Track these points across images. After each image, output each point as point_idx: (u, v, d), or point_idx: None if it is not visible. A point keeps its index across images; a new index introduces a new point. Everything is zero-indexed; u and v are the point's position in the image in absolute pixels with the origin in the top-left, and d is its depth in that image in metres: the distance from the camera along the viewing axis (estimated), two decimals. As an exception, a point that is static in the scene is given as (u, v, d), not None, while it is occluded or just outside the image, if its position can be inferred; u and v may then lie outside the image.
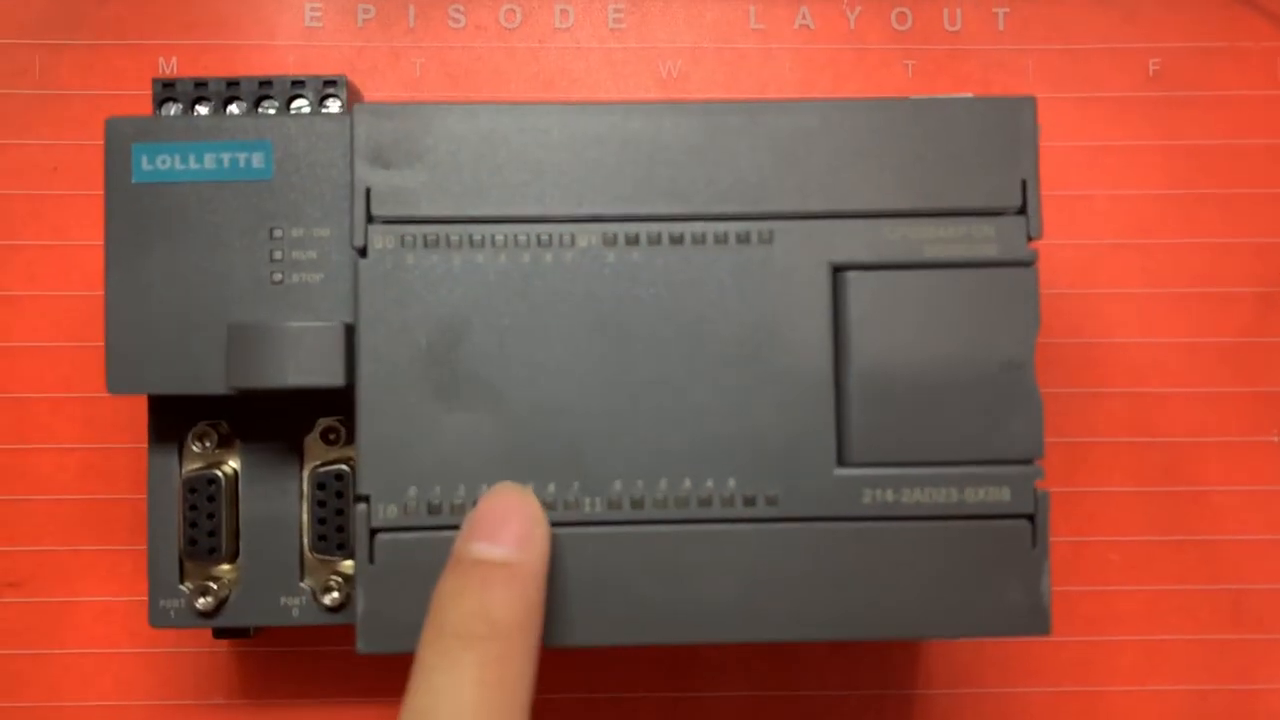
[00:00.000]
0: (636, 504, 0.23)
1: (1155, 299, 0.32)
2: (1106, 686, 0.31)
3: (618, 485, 0.23)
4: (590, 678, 0.31)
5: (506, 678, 0.20)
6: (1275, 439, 0.32)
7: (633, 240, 0.23)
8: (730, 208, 0.24)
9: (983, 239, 0.23)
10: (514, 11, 0.32)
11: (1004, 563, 0.23)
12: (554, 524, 0.23)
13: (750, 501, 0.23)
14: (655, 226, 0.23)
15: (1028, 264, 0.23)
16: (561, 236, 0.23)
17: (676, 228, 0.23)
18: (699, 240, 0.23)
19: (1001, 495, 0.23)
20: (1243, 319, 0.32)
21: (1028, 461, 0.23)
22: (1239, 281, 0.32)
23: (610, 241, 0.23)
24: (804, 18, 0.32)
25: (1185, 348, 0.32)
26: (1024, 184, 0.24)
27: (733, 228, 0.24)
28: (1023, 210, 0.24)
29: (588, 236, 0.23)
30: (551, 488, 0.23)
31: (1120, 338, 0.32)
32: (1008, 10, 0.32)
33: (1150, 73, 0.32)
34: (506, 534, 0.22)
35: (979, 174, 0.24)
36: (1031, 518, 0.23)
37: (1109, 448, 0.32)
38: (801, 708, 0.31)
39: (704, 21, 0.32)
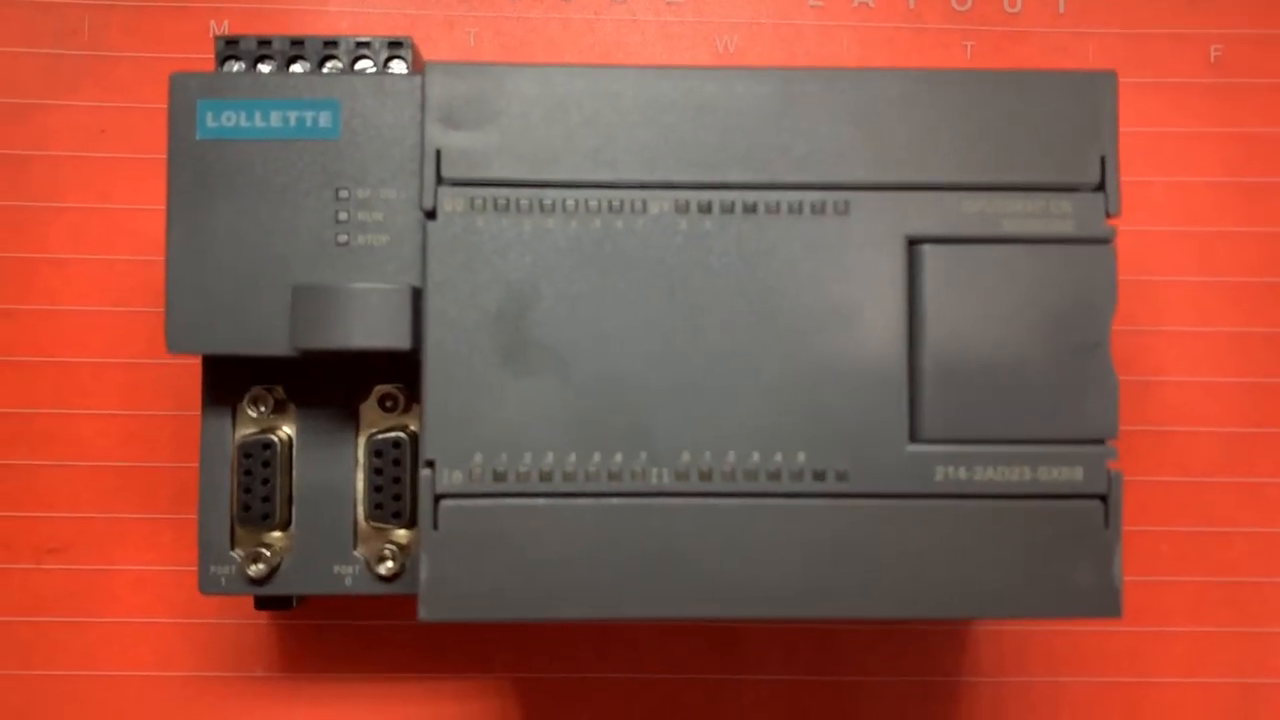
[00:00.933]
0: (704, 476, 0.23)
1: (1211, 288, 0.32)
2: (1154, 678, 0.31)
3: (685, 456, 0.23)
4: (634, 658, 0.31)
5: None
6: (1331, 431, 0.31)
7: (705, 208, 0.23)
8: (805, 177, 0.23)
9: (1060, 215, 0.23)
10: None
11: (1076, 544, 0.23)
12: (620, 494, 0.23)
13: (820, 476, 0.23)
14: (728, 195, 0.23)
15: (1105, 241, 0.23)
16: (633, 203, 0.23)
17: (750, 196, 0.23)
18: (773, 210, 0.23)
19: (1074, 475, 0.23)
20: (1299, 310, 0.32)
21: (1101, 442, 0.23)
22: (1296, 272, 0.32)
23: (682, 209, 0.23)
24: (864, -5, 0.32)
25: (1239, 337, 0.32)
26: (1103, 160, 0.23)
27: (807, 197, 0.23)
28: (1101, 187, 0.23)
29: (660, 203, 0.23)
30: (619, 457, 0.23)
31: (1174, 326, 0.32)
32: (1069, -7, 0.32)
33: (1211, 59, 0.32)
34: None
35: (1058, 149, 0.23)
36: (1104, 498, 0.23)
37: (1160, 436, 0.31)
38: (844, 694, 0.31)
39: (762, -3, 0.32)
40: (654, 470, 0.23)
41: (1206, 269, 0.32)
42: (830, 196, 0.23)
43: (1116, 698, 0.31)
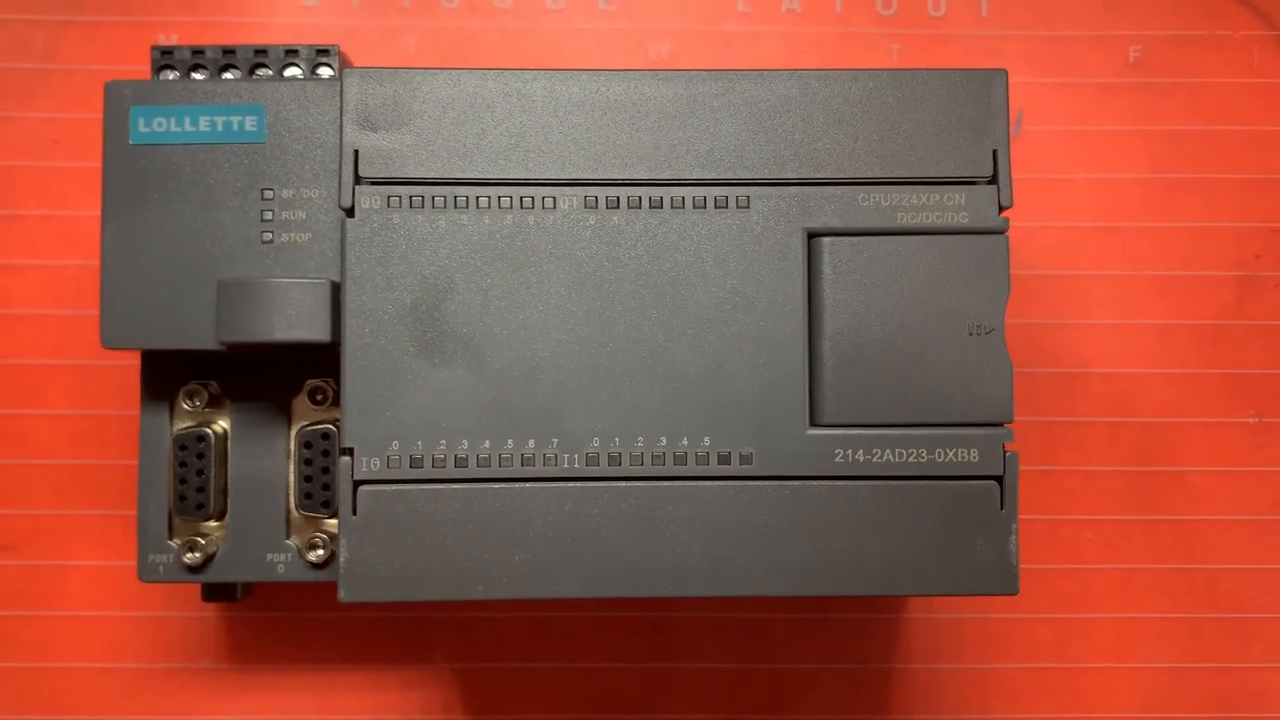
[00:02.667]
0: (614, 460, 0.24)
1: (1135, 281, 0.33)
2: (1083, 663, 0.32)
3: (595, 442, 0.24)
4: (571, 648, 0.31)
5: None
6: (1251, 420, 0.32)
7: (613, 204, 0.24)
8: (708, 173, 0.24)
9: (954, 207, 0.24)
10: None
11: (973, 523, 0.24)
12: (532, 479, 0.24)
13: (725, 459, 0.24)
14: (635, 190, 0.24)
15: (999, 232, 0.24)
16: (544, 199, 0.24)
17: (656, 192, 0.24)
18: (678, 205, 0.24)
19: (971, 457, 0.24)
20: (1220, 302, 0.32)
21: (998, 425, 0.24)
22: (1217, 265, 0.33)
23: (591, 205, 0.24)
24: (791, 1, 0.33)
25: (1163, 329, 0.32)
26: (995, 154, 0.24)
27: (711, 193, 0.24)
28: (994, 180, 0.24)
29: (569, 199, 0.24)
30: (531, 444, 0.24)
31: (1100, 319, 0.32)
32: (991, -3, 0.33)
33: (1131, 59, 0.33)
34: None
35: (951, 144, 0.24)
36: (1000, 479, 0.24)
37: (1087, 427, 0.32)
38: (780, 680, 0.32)
39: (692, 3, 0.33)
40: (565, 456, 0.24)
41: (1131, 263, 0.33)
42: (732, 192, 0.24)
43: (1048, 682, 0.32)
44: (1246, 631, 0.32)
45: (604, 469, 0.24)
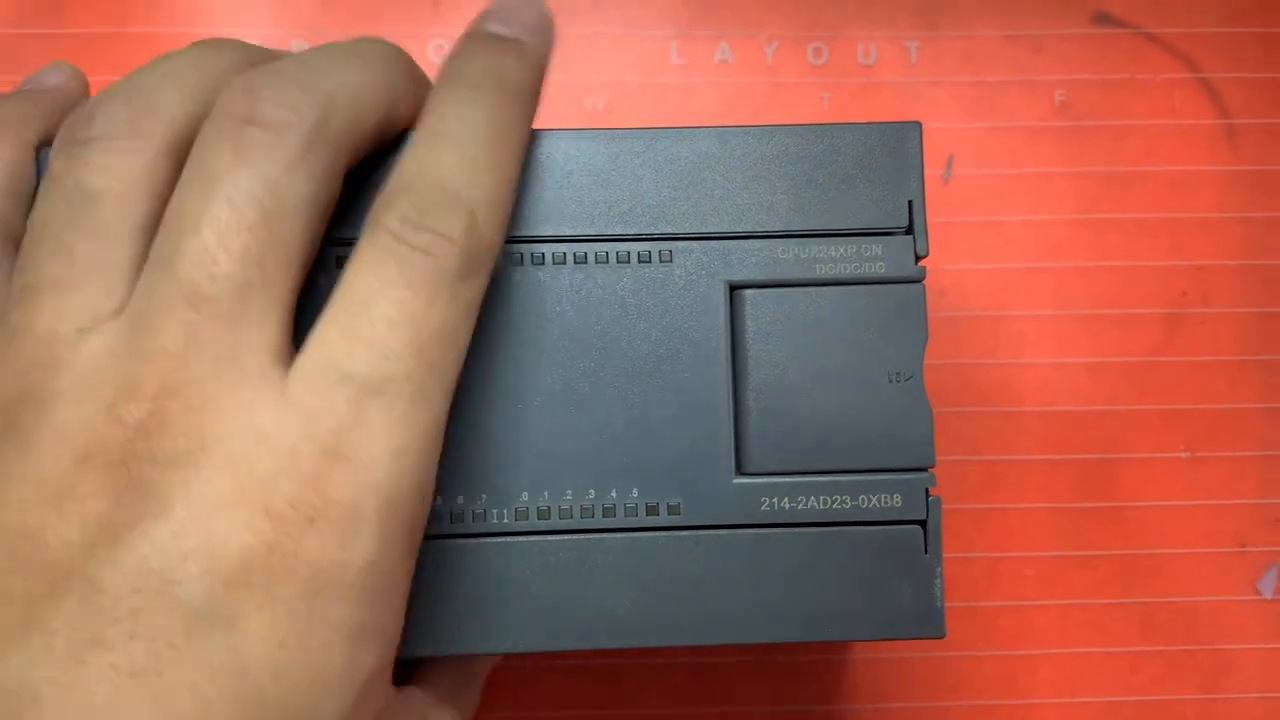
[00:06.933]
0: (543, 514, 0.24)
1: (1067, 320, 0.33)
2: (1029, 700, 0.32)
3: (524, 496, 0.24)
4: (522, 694, 0.32)
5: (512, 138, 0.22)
6: (1183, 455, 0.33)
7: (538, 260, 0.24)
8: (631, 229, 0.25)
9: (872, 257, 0.25)
10: (442, 47, 0.33)
11: (898, 568, 0.24)
12: (462, 535, 0.24)
13: (653, 510, 0.24)
14: (560, 247, 0.25)
15: (916, 280, 0.25)
16: None
17: (580, 248, 0.25)
18: (602, 260, 0.24)
19: (894, 501, 0.24)
20: (1150, 339, 0.33)
21: (920, 469, 0.24)
22: (1146, 303, 0.33)
23: (516, 261, 0.24)
24: (723, 52, 0.34)
25: (1096, 367, 0.33)
26: (910, 205, 0.25)
27: (634, 248, 0.25)
28: (909, 230, 0.25)
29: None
30: (460, 499, 0.24)
31: (1034, 358, 0.33)
32: (919, 44, 0.34)
33: (1057, 103, 0.34)
34: (518, 20, 0.23)
35: (868, 196, 0.25)
36: (923, 523, 0.24)
37: (1024, 465, 0.33)
38: (728, 723, 0.32)
39: (627, 56, 0.34)
40: (494, 511, 0.24)
41: (1063, 303, 0.33)
42: (655, 247, 0.25)
43: (996, 718, 0.32)
44: (1181, 662, 0.32)
45: (533, 523, 0.24)
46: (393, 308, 0.20)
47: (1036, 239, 0.33)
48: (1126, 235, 0.33)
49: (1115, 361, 0.33)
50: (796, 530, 0.24)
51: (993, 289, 0.33)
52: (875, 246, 0.25)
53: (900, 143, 0.25)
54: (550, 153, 0.25)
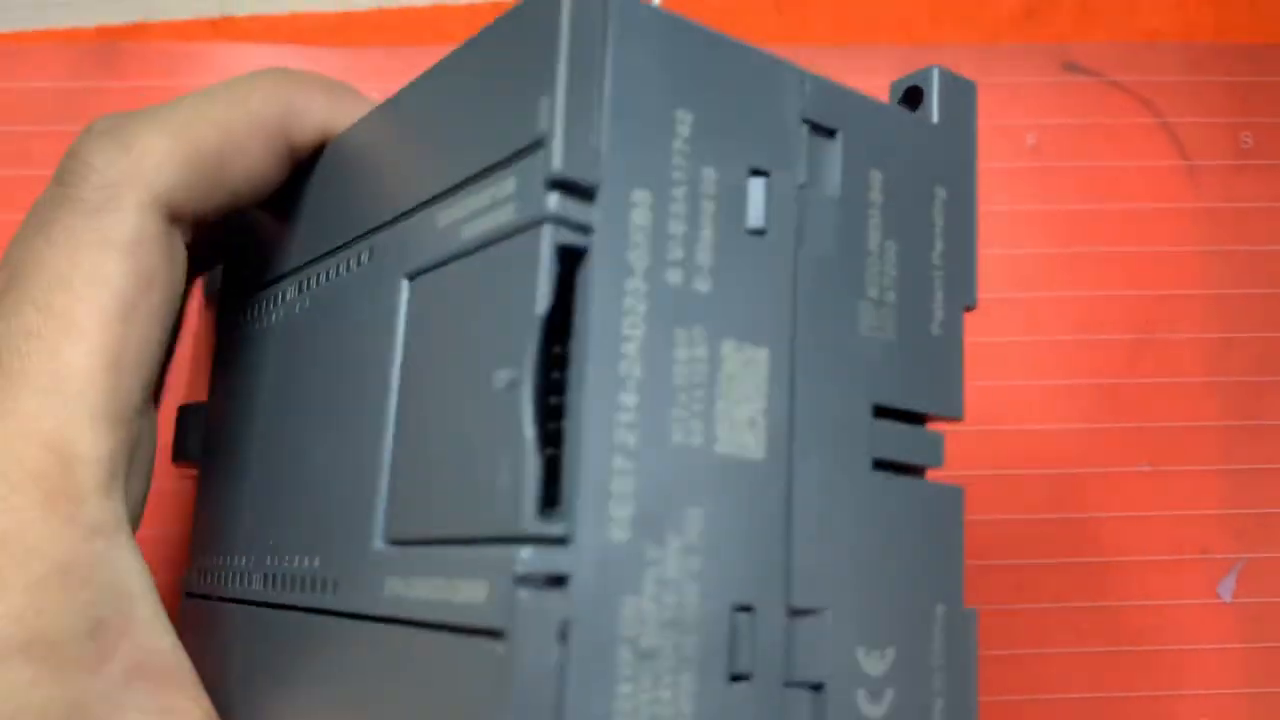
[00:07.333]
0: (250, 581, 0.21)
1: (1039, 345, 0.36)
2: (1006, 697, 0.35)
3: (242, 561, 0.21)
4: None
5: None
6: (1145, 469, 0.35)
7: (276, 302, 0.23)
8: (340, 238, 0.21)
9: (505, 199, 0.16)
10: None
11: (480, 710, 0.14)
12: (199, 595, 0.23)
13: (325, 585, 0.18)
14: (299, 275, 0.22)
15: (539, 223, 0.15)
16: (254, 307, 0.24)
17: (312, 270, 0.22)
18: (333, 276, 0.21)
19: (475, 595, 0.15)
20: (1116, 363, 0.36)
21: (514, 540, 0.14)
22: (1113, 330, 0.36)
23: (275, 304, 0.23)
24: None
25: (1066, 389, 0.36)
26: (549, 105, 0.15)
27: (342, 257, 0.20)
28: (542, 143, 0.15)
29: (264, 303, 0.24)
30: (240, 560, 0.22)
31: (1009, 380, 0.36)
32: (902, 93, 0.37)
33: (1029, 145, 0.37)
34: None
35: (499, 113, 0.16)
36: (502, 635, 0.14)
37: (998, 479, 0.35)
38: None
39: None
40: (231, 576, 0.22)
41: (1036, 330, 0.36)
42: (354, 250, 0.20)
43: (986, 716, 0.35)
44: (1150, 663, 0.35)
45: (247, 591, 0.21)
46: None
47: (1011, 271, 0.36)
48: (1094, 268, 0.36)
49: (1084, 384, 0.36)
50: (391, 629, 0.17)
51: (969, 318, 0.36)
52: (509, 181, 0.16)
53: (538, 19, 0.16)
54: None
